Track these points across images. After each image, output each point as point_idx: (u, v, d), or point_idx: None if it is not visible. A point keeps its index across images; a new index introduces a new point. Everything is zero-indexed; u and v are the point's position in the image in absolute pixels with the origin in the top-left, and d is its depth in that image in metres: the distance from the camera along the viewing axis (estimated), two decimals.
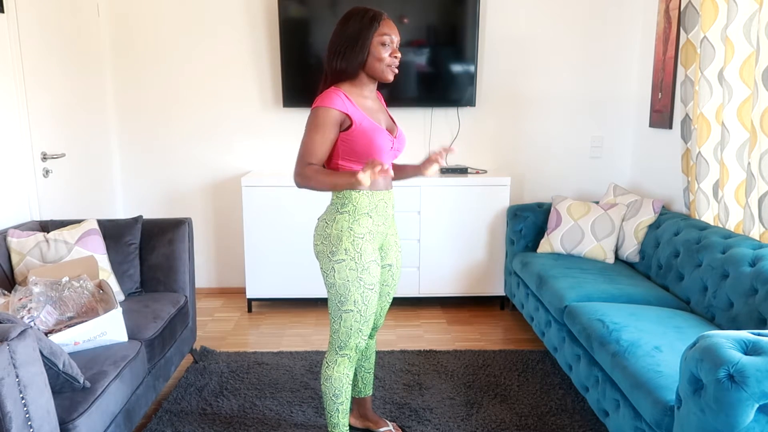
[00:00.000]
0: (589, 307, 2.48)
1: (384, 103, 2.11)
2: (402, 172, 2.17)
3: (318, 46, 3.61)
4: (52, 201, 3.04)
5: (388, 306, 2.22)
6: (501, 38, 3.77)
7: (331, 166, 1.93)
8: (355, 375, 2.32)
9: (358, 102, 1.90)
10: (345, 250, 1.89)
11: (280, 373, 2.85)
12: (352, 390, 2.34)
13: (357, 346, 1.99)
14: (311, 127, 1.84)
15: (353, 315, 1.93)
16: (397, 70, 1.92)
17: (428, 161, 2.02)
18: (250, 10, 3.71)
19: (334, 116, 1.83)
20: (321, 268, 1.96)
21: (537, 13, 3.74)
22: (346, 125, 1.86)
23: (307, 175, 1.81)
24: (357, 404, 2.37)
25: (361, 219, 1.92)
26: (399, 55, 1.90)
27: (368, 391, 2.36)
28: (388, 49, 1.87)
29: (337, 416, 2.05)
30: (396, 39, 1.88)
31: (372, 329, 2.24)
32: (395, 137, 1.99)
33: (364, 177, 1.68)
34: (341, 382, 2.01)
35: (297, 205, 3.54)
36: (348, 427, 2.09)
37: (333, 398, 2.02)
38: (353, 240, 1.90)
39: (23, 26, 2.79)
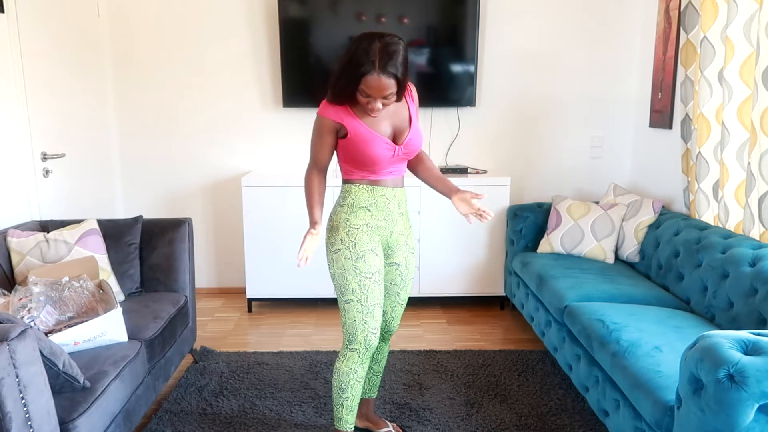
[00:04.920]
0: (589, 307, 2.48)
1: (412, 102, 2.03)
2: (438, 183, 2.11)
3: (318, 46, 3.61)
4: (52, 201, 3.04)
5: (401, 309, 2.19)
6: (501, 38, 3.77)
7: (341, 166, 2.03)
8: None
9: (359, 113, 1.90)
10: (341, 240, 1.97)
11: (280, 373, 2.85)
12: None
13: (366, 341, 1.97)
14: (313, 132, 1.98)
15: (354, 305, 1.96)
16: (379, 114, 1.89)
17: (464, 203, 2.01)
18: (250, 10, 3.71)
19: (327, 125, 1.93)
20: (326, 259, 2.06)
21: (537, 13, 3.74)
22: (342, 133, 1.93)
23: (305, 182, 2.02)
24: (359, 404, 2.37)
25: (358, 212, 1.99)
26: (378, 108, 1.84)
27: (373, 394, 2.35)
28: (368, 103, 1.84)
29: (341, 411, 2.05)
30: (378, 97, 1.81)
31: (387, 333, 2.24)
32: (401, 144, 1.96)
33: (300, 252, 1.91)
34: (348, 376, 2.01)
35: (297, 205, 3.54)
36: (353, 425, 2.08)
37: (339, 392, 2.03)
38: (348, 230, 1.97)
39: (23, 26, 2.79)
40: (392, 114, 1.96)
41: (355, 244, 1.96)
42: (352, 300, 1.96)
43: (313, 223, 1.94)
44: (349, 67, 1.80)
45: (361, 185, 1.99)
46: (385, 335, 2.25)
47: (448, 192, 2.06)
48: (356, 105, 1.91)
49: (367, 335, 1.97)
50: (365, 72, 1.77)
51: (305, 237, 1.91)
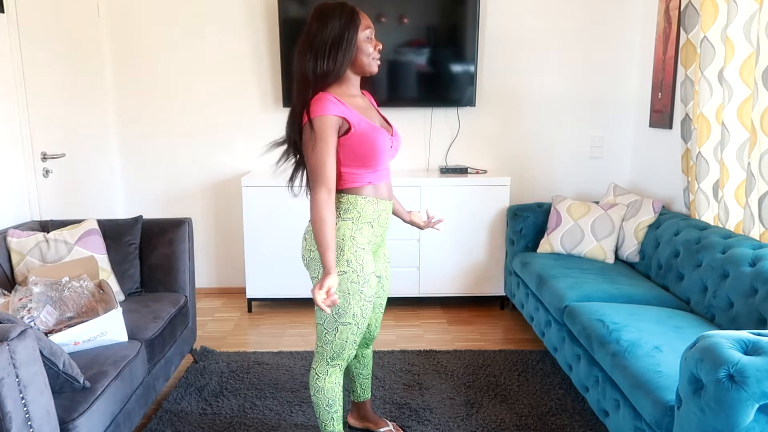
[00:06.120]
0: (589, 307, 2.48)
1: (373, 100, 2.02)
2: (398, 205, 2.21)
3: None
4: (52, 201, 3.04)
5: (381, 317, 2.19)
6: (501, 38, 3.77)
7: (340, 173, 1.84)
8: (354, 381, 2.31)
9: (349, 103, 1.79)
10: (347, 261, 1.80)
11: (280, 373, 2.85)
12: (351, 395, 2.35)
13: (349, 357, 1.94)
14: (314, 141, 1.72)
15: (351, 328, 1.86)
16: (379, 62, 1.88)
17: (421, 224, 2.21)
18: (250, 10, 3.71)
19: (333, 123, 1.72)
20: (314, 277, 1.85)
21: (537, 12, 3.74)
22: (344, 130, 1.76)
23: (319, 213, 1.72)
24: (356, 407, 2.37)
25: (363, 228, 1.85)
26: (381, 45, 1.85)
27: (367, 395, 2.35)
28: (372, 42, 1.81)
29: (332, 424, 1.99)
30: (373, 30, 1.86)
31: (369, 340, 2.23)
32: (392, 135, 1.92)
33: (317, 291, 1.66)
34: (334, 392, 1.95)
35: (297, 205, 3.54)
36: (342, 429, 2.07)
37: (327, 408, 1.96)
38: (355, 251, 1.81)
39: (23, 26, 2.79)
40: (370, 107, 1.91)
41: (363, 267, 1.81)
42: (350, 323, 1.85)
43: (328, 270, 1.69)
44: (341, 29, 1.75)
45: (368, 198, 1.84)
46: (368, 342, 2.24)
47: (406, 214, 2.21)
48: (343, 94, 1.81)
49: (352, 352, 1.93)
50: (357, 13, 1.78)
51: (324, 282, 1.66)
